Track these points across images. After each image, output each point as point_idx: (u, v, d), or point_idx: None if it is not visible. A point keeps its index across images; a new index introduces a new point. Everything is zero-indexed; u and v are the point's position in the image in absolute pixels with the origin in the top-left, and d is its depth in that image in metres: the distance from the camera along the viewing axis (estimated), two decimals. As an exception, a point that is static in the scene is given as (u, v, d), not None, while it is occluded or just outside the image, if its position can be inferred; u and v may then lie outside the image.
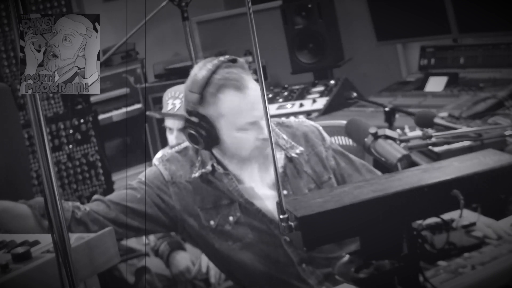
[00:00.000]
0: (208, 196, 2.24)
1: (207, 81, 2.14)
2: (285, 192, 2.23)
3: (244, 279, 2.29)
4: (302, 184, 2.26)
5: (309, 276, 2.22)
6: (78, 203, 2.20)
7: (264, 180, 2.25)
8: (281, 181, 2.22)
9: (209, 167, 2.23)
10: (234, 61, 2.19)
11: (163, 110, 3.00)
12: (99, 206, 2.21)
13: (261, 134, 2.16)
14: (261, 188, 2.25)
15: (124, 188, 2.29)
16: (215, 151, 2.25)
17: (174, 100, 2.96)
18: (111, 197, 2.26)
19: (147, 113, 4.52)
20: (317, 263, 2.22)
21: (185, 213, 2.24)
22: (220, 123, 2.16)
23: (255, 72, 2.23)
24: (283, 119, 2.45)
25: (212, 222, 2.23)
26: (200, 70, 2.17)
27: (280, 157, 2.25)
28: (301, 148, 2.30)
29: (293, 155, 2.27)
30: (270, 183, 2.25)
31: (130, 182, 2.30)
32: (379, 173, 2.40)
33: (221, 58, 2.19)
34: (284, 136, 2.31)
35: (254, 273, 2.24)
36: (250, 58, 4.83)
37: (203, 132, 2.16)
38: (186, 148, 2.31)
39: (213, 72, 2.15)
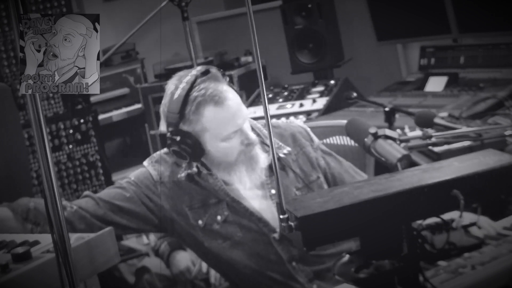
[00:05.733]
0: (196, 196, 2.26)
1: (185, 100, 2.15)
2: (273, 191, 2.26)
3: (236, 277, 2.30)
4: (290, 183, 2.28)
5: (299, 274, 2.23)
6: (64, 202, 2.20)
7: (252, 181, 2.27)
8: (269, 181, 2.26)
9: (194, 169, 2.26)
10: (206, 72, 2.20)
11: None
12: (88, 203, 2.23)
13: (245, 140, 2.21)
14: (248, 188, 2.27)
15: (115, 187, 2.31)
16: (203, 158, 2.26)
17: None
18: (101, 194, 2.28)
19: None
20: (308, 260, 2.24)
21: (173, 213, 2.27)
22: (204, 136, 2.19)
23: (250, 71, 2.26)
24: (271, 120, 2.47)
25: (200, 222, 2.25)
26: (176, 89, 2.18)
27: (266, 157, 2.26)
28: (289, 148, 2.33)
29: (281, 155, 2.30)
30: (258, 183, 2.27)
31: (120, 181, 2.32)
32: (364, 174, 2.47)
33: (193, 72, 2.19)
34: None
35: (245, 272, 2.25)
36: (250, 58, 4.84)
37: (187, 148, 2.18)
38: None
39: (189, 90, 2.15)
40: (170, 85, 2.22)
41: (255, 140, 2.24)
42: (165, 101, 2.22)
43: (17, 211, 2.14)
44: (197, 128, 2.18)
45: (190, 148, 2.18)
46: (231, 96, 2.19)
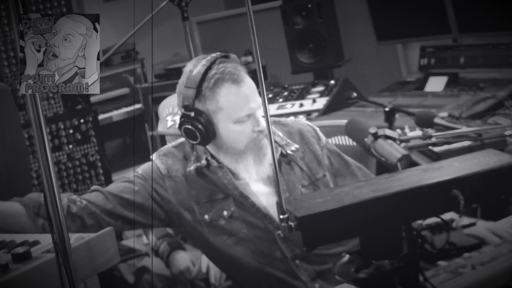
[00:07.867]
0: (203, 190, 2.26)
1: (203, 76, 2.17)
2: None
3: (238, 274, 2.30)
4: (296, 180, 2.29)
5: (302, 272, 2.23)
6: (74, 196, 2.21)
7: (258, 173, 2.26)
8: (275, 177, 2.24)
9: (204, 161, 2.26)
10: (227, 56, 2.23)
11: (162, 126, 3.00)
12: (97, 197, 2.23)
13: (257, 126, 2.21)
14: (255, 183, 2.27)
15: (123, 180, 2.30)
16: (210, 147, 2.26)
17: (174, 116, 2.96)
18: (109, 188, 2.27)
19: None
20: (311, 259, 2.24)
21: (180, 207, 2.26)
22: (217, 117, 2.19)
23: (251, 71, 2.28)
24: (280, 118, 2.48)
25: (206, 216, 2.25)
26: (195, 67, 2.20)
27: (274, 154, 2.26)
28: (296, 146, 2.33)
29: (288, 152, 2.30)
30: (265, 177, 2.27)
31: (127, 175, 2.32)
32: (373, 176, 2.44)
33: (214, 54, 2.23)
34: (280, 134, 2.34)
35: (248, 268, 2.25)
36: (250, 58, 4.84)
37: (200, 126, 2.17)
38: (182, 143, 2.33)
39: (209, 67, 2.18)
40: (189, 65, 2.24)
41: (266, 128, 2.23)
42: (182, 79, 2.23)
43: (29, 205, 2.14)
44: (211, 107, 2.18)
45: (203, 126, 2.18)
46: (247, 79, 2.22)
